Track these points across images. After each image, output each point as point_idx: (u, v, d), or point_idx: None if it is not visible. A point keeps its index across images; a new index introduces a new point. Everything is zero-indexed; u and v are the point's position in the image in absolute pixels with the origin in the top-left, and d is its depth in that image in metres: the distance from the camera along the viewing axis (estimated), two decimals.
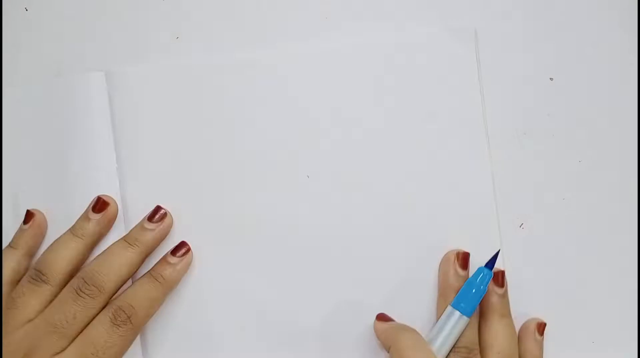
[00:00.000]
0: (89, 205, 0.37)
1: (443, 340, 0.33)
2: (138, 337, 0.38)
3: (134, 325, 0.35)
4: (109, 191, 0.38)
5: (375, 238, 0.37)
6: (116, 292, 0.36)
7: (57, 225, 0.38)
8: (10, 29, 0.41)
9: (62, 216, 0.38)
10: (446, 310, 0.34)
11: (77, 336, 0.34)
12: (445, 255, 0.37)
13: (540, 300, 0.37)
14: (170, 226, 0.38)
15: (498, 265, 0.35)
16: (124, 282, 0.36)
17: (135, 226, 0.38)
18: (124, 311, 0.34)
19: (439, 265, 0.37)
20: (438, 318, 0.35)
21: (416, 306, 0.37)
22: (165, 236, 0.38)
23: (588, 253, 0.37)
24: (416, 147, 0.38)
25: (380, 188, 0.37)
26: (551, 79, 0.37)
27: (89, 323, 0.35)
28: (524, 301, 0.37)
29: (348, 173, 0.38)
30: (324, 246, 0.38)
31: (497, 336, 0.35)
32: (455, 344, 0.34)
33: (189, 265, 0.38)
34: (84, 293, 0.34)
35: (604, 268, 0.37)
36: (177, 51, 0.40)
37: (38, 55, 0.41)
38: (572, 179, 0.37)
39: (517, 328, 0.36)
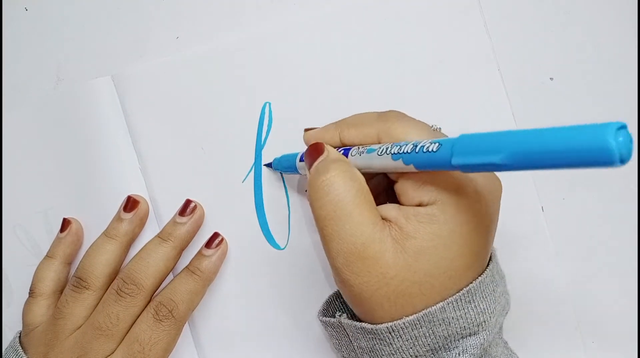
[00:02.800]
0: (120, 206, 0.38)
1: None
2: (190, 335, 0.39)
3: (176, 319, 0.35)
4: (137, 191, 0.39)
5: None
6: (156, 289, 0.36)
7: (92, 233, 0.39)
8: (10, 29, 0.42)
9: (95, 223, 0.39)
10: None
11: (124, 336, 0.35)
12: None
13: (540, 300, 0.37)
14: (202, 217, 0.38)
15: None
16: (163, 278, 0.37)
17: (168, 222, 0.38)
18: (165, 306, 0.35)
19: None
20: None
21: None
22: (198, 228, 0.38)
23: (588, 252, 0.37)
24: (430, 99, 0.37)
25: None
26: (551, 79, 0.37)
27: (133, 323, 0.35)
28: (524, 301, 0.37)
29: None
30: None
31: None
32: None
33: (224, 254, 0.38)
34: (124, 292, 0.35)
35: (604, 268, 0.37)
36: (177, 51, 0.39)
37: (38, 55, 0.41)
38: (572, 179, 0.37)
39: None
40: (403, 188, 0.28)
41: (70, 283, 0.37)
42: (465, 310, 0.28)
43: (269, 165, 0.38)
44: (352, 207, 0.27)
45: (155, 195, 0.39)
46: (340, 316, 0.31)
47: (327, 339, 0.38)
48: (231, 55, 0.38)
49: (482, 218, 0.27)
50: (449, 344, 0.28)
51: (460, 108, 0.37)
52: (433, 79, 0.37)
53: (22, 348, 0.36)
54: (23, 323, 0.37)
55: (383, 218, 0.28)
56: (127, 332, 0.35)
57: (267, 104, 0.38)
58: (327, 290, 0.38)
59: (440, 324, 0.27)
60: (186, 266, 0.37)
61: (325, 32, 0.38)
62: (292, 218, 0.39)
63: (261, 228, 0.39)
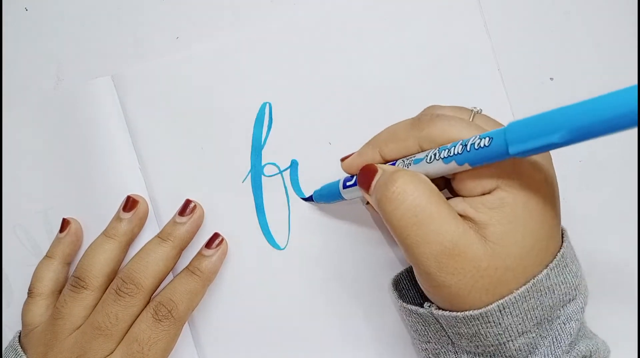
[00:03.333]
0: (120, 206, 0.38)
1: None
2: (190, 335, 0.39)
3: (175, 319, 0.35)
4: (136, 191, 0.39)
5: None
6: (156, 289, 0.36)
7: (92, 233, 0.39)
8: (10, 29, 0.42)
9: (94, 223, 0.39)
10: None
11: (123, 336, 0.35)
12: None
13: None
14: (202, 217, 0.38)
15: None
16: (162, 278, 0.36)
17: (168, 222, 0.38)
18: (164, 306, 0.35)
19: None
20: None
21: None
22: (198, 228, 0.38)
23: (588, 252, 0.36)
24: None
25: None
26: (551, 79, 0.37)
27: (133, 323, 0.35)
28: None
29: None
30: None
31: None
32: None
33: (224, 254, 0.38)
34: (123, 292, 0.35)
35: (604, 268, 0.37)
36: (177, 51, 0.39)
37: (38, 55, 0.41)
38: (572, 179, 0.37)
39: None
40: (461, 183, 0.28)
41: (69, 282, 0.37)
42: (564, 275, 0.28)
43: (309, 199, 0.38)
44: (432, 208, 0.26)
45: (155, 195, 0.39)
46: (430, 307, 0.30)
47: (406, 326, 0.36)
48: (231, 55, 0.38)
49: (545, 187, 0.27)
50: (553, 314, 0.28)
51: None
52: (433, 79, 0.37)
53: (22, 348, 0.36)
54: (22, 323, 0.37)
55: None
56: (127, 332, 0.35)
57: (267, 104, 0.38)
58: (327, 290, 0.38)
59: (546, 293, 0.28)
60: (186, 267, 0.37)
61: (325, 31, 0.38)
62: (292, 218, 0.38)
63: (261, 228, 0.39)
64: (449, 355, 0.31)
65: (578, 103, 0.21)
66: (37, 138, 0.41)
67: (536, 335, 0.28)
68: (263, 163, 0.39)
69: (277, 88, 0.38)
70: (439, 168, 0.27)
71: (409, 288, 0.35)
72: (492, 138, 0.24)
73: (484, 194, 0.27)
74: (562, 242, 0.29)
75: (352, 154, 0.33)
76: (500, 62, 0.37)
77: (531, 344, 0.28)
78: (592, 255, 0.37)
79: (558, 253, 0.28)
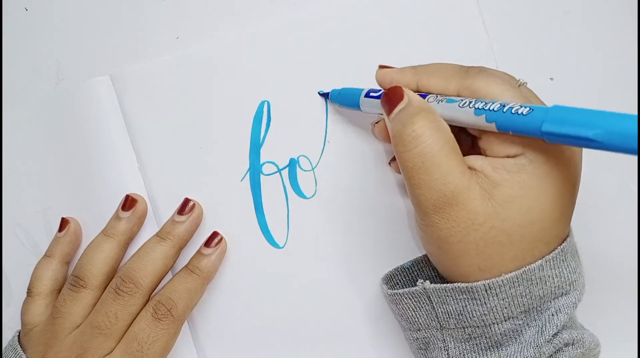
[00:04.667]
0: (119, 205, 0.38)
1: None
2: (189, 334, 0.39)
3: (175, 318, 0.35)
4: (135, 190, 0.39)
5: None
6: (155, 288, 0.36)
7: (91, 232, 0.39)
8: (10, 29, 0.42)
9: (94, 222, 0.39)
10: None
11: (123, 335, 0.35)
12: None
13: None
14: (201, 216, 0.38)
15: None
16: (162, 277, 0.36)
17: (167, 221, 0.38)
18: (163, 305, 0.35)
19: None
20: None
21: None
22: (197, 226, 0.38)
23: (588, 253, 0.35)
24: None
25: None
26: (551, 79, 0.37)
27: (132, 322, 0.35)
28: None
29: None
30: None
31: None
32: None
33: (223, 253, 0.38)
34: (122, 291, 0.35)
35: (603, 268, 0.37)
36: (177, 51, 0.39)
37: (38, 55, 0.41)
38: None
39: None
40: (488, 143, 0.28)
41: (68, 282, 0.37)
42: (560, 269, 0.28)
43: (325, 95, 0.37)
44: (441, 157, 0.27)
45: (154, 194, 0.39)
46: (423, 283, 0.31)
47: (397, 318, 0.36)
48: (229, 54, 0.38)
49: (568, 176, 0.28)
50: (542, 305, 0.29)
51: None
52: None
53: (21, 347, 0.36)
54: (22, 322, 0.37)
55: (469, 168, 0.28)
56: (126, 331, 0.35)
57: (266, 103, 0.38)
58: (327, 289, 0.38)
59: (537, 283, 0.28)
60: (185, 265, 0.37)
61: (324, 31, 0.38)
62: (291, 217, 0.38)
63: (260, 226, 0.39)
64: (437, 343, 0.31)
65: (629, 114, 0.21)
66: (37, 137, 0.41)
67: (523, 322, 0.29)
68: (262, 162, 0.39)
69: (276, 87, 0.38)
70: (466, 116, 0.27)
71: (402, 284, 0.36)
72: (532, 110, 0.24)
73: (507, 157, 0.27)
74: (567, 237, 0.29)
75: (393, 67, 0.33)
76: (500, 62, 0.37)
77: (516, 330, 0.29)
78: (591, 255, 0.36)
79: (559, 246, 0.28)
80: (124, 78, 0.39)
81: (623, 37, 0.36)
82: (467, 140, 0.32)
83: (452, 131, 0.28)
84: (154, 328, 0.35)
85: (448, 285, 0.29)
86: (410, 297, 0.32)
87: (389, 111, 0.30)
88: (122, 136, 0.39)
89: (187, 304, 0.36)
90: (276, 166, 0.38)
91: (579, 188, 0.29)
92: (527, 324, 0.29)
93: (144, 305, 0.36)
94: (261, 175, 0.39)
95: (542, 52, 0.37)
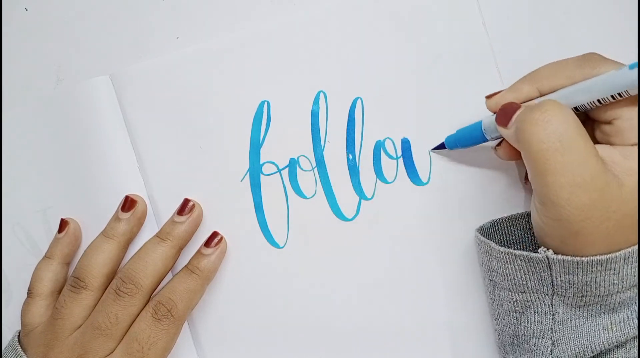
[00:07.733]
0: (118, 206, 0.38)
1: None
2: (189, 334, 0.39)
3: (175, 318, 0.35)
4: (135, 190, 0.39)
5: None
6: (155, 288, 0.36)
7: (91, 233, 0.39)
8: (10, 29, 0.42)
9: (93, 222, 0.39)
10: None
11: (123, 336, 0.35)
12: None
13: None
14: (201, 216, 0.38)
15: None
16: (162, 278, 0.37)
17: (167, 222, 0.38)
18: (163, 305, 0.35)
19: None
20: None
21: None
22: (197, 227, 0.38)
23: None
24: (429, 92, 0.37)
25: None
26: None
27: (133, 322, 0.35)
28: None
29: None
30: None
31: None
32: None
33: (223, 253, 0.38)
34: (123, 292, 0.35)
35: None
36: (177, 51, 0.39)
37: (38, 55, 0.41)
38: None
39: None
40: (617, 131, 0.28)
41: (68, 283, 0.37)
42: None
43: (440, 147, 0.37)
44: (579, 138, 0.26)
45: (153, 194, 0.39)
46: (546, 251, 0.29)
47: (492, 277, 0.34)
48: (229, 54, 0.38)
49: None
50: None
51: (459, 107, 0.37)
52: (431, 78, 0.37)
53: (22, 348, 0.36)
54: (22, 323, 0.37)
55: None
56: (127, 332, 0.35)
57: (266, 103, 0.38)
58: (327, 289, 0.38)
59: None
60: (185, 266, 0.37)
61: (324, 30, 0.38)
62: (291, 217, 0.38)
63: (260, 226, 0.39)
64: (542, 307, 0.30)
65: None
66: (37, 137, 0.41)
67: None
68: (262, 162, 0.39)
69: (275, 87, 0.38)
70: (613, 80, 0.27)
71: (493, 238, 0.34)
72: None
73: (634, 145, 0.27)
74: None
75: (500, 91, 0.32)
76: (499, 60, 0.37)
77: (633, 298, 0.28)
78: None
79: None
80: (123, 78, 0.39)
81: (623, 37, 0.36)
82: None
83: None
84: (154, 328, 0.35)
85: (583, 258, 0.27)
86: (528, 261, 0.30)
87: (507, 120, 0.29)
88: (122, 136, 0.39)
89: (187, 304, 0.36)
90: (276, 166, 0.38)
91: None
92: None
93: (144, 306, 0.36)
94: (261, 175, 0.39)
95: (542, 52, 0.36)
